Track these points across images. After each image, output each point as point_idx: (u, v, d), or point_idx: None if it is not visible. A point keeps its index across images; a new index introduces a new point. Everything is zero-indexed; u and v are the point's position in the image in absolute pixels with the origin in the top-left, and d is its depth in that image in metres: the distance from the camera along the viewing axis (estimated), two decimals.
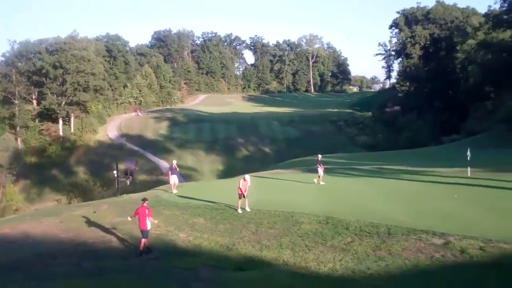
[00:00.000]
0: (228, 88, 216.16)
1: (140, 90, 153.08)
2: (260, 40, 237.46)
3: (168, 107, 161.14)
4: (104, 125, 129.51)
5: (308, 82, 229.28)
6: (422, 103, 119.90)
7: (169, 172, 32.47)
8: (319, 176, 33.46)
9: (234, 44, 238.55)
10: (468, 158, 31.11)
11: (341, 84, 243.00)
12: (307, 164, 52.03)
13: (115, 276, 15.58)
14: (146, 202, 19.02)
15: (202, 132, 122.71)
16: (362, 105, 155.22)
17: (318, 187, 32.53)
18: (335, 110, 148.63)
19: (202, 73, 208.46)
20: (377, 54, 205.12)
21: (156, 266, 16.99)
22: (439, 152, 60.60)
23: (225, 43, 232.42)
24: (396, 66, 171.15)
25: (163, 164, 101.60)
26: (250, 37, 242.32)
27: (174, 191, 31.41)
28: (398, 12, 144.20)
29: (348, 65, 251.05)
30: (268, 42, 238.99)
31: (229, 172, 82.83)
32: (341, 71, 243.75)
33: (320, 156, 35.09)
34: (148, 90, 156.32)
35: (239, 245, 19.12)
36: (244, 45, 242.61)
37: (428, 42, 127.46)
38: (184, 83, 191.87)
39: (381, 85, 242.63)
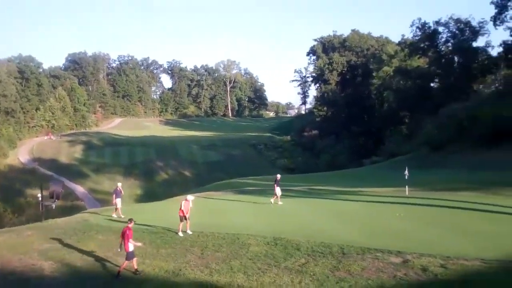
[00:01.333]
0: (145, 112, 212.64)
1: (53, 113, 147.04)
2: (177, 64, 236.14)
3: (82, 130, 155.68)
4: (15, 149, 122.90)
5: (226, 106, 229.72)
6: (339, 127, 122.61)
7: (114, 195, 30.00)
8: (276, 197, 32.50)
9: (151, 68, 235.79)
10: (406, 178, 31.14)
11: (258, 109, 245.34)
12: (235, 186, 51.05)
13: None
14: (131, 223, 18.17)
15: (119, 156, 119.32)
16: (281, 129, 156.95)
17: (259, 208, 31.53)
18: (255, 134, 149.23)
19: (118, 97, 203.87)
20: (293, 81, 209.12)
21: None
22: (364, 174, 61.15)
23: (142, 67, 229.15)
24: (312, 92, 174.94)
25: (79, 189, 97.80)
26: (168, 61, 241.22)
27: (122, 216, 28.87)
28: (315, 40, 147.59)
29: (265, 90, 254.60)
30: (186, 67, 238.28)
31: (149, 196, 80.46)
32: (258, 97, 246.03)
33: (279, 176, 34.26)
34: (61, 113, 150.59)
35: (186, 270, 17.77)
36: (161, 69, 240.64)
37: (345, 69, 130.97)
38: (99, 106, 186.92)
39: (296, 111, 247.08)
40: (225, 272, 17.33)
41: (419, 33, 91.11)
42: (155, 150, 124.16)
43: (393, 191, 36.15)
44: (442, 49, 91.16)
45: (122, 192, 30.48)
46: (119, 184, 30.86)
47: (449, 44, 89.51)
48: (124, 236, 17.64)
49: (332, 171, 77.16)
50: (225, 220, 26.71)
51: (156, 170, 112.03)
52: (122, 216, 28.47)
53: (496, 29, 77.74)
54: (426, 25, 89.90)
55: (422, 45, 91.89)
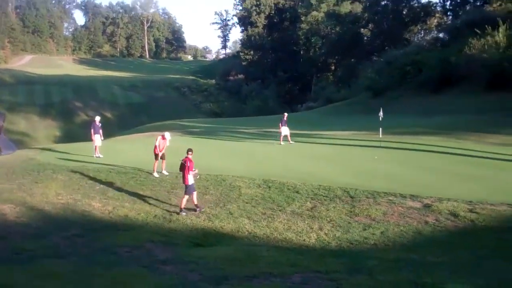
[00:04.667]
0: (57, 50, 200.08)
1: None
2: (91, 0, 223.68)
3: None
4: None
5: (143, 47, 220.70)
6: (266, 72, 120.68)
7: (92, 130, 25.92)
8: (283, 136, 31.23)
9: (63, 2, 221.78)
10: (380, 119, 29.82)
11: (176, 52, 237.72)
12: (175, 128, 48.45)
13: (47, 261, 11.12)
14: (191, 153, 16.52)
15: (34, 95, 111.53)
16: (204, 73, 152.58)
17: (228, 149, 29.57)
18: (178, 76, 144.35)
19: (28, 32, 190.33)
20: (213, 23, 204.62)
21: (89, 245, 12.85)
22: (308, 118, 59.24)
23: (53, 1, 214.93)
24: (232, 36, 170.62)
25: None
26: None
27: (98, 155, 25.44)
28: None
29: (183, 32, 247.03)
30: (100, 3, 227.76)
31: (68, 138, 75.99)
32: (176, 38, 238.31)
33: (286, 114, 33.49)
34: None
35: (179, 216, 15.64)
36: (74, 4, 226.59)
37: (273, 12, 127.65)
38: (8, 42, 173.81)
39: (215, 55, 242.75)
40: (225, 217, 15.43)
41: None
42: (72, 90, 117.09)
43: (353, 134, 35.11)
44: None
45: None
46: (97, 118, 27.01)
47: None
48: (184, 167, 16.09)
49: (263, 116, 75.50)
50: (199, 161, 24.26)
51: (75, 111, 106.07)
52: (99, 156, 25.41)
53: None
54: None
55: None
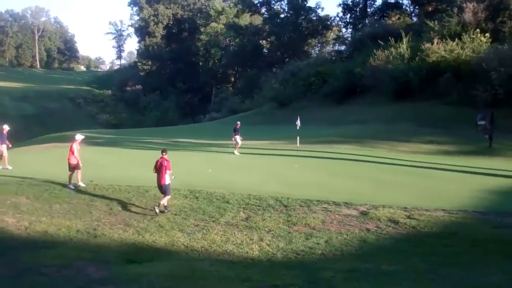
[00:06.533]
0: None
1: None
2: None
3: None
4: None
5: (34, 57, 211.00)
6: (164, 83, 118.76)
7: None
8: (237, 146, 30.51)
9: None
10: (298, 128, 29.71)
11: (68, 62, 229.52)
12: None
13: None
14: (166, 153, 16.30)
15: None
16: (100, 83, 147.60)
17: (142, 159, 27.59)
18: (72, 86, 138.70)
19: None
20: (108, 33, 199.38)
21: (11, 266, 11.27)
22: (214, 128, 58.71)
23: None
24: (127, 46, 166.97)
25: None
26: None
27: (8, 167, 23.35)
28: None
29: (76, 42, 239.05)
30: None
31: None
32: (68, 48, 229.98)
33: (239, 123, 32.22)
34: None
35: (104, 230, 14.27)
36: None
37: (172, 22, 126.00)
38: None
39: (109, 66, 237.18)
40: (156, 230, 14.25)
41: None
42: None
43: (269, 144, 34.92)
44: (275, 7, 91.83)
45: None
46: (6, 127, 24.62)
47: (283, 2, 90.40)
48: (161, 167, 15.83)
49: (164, 126, 73.97)
50: (114, 171, 22.80)
51: None
52: (8, 167, 23.20)
53: None
54: None
55: (256, 1, 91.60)
